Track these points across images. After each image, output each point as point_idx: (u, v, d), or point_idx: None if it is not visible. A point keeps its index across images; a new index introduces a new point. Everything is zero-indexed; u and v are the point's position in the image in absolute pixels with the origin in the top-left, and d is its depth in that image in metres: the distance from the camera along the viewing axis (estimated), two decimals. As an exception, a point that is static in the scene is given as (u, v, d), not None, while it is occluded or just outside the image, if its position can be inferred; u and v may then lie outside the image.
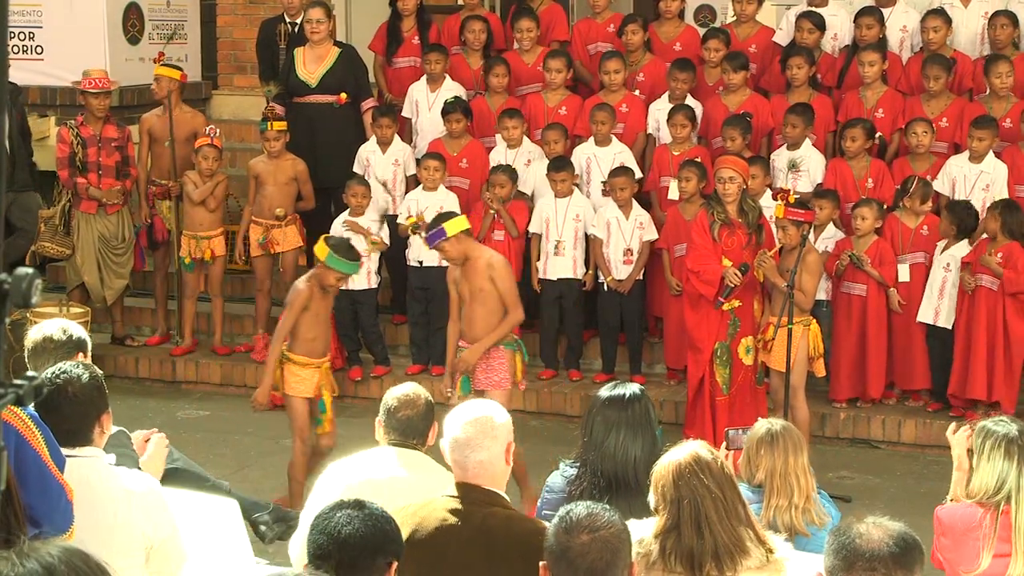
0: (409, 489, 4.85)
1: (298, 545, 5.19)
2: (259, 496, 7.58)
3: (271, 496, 7.77)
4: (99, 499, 4.58)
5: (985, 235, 9.44)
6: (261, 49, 12.06)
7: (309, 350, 8.20)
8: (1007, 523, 4.98)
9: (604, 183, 10.34)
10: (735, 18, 11.36)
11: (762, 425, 5.42)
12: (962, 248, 9.53)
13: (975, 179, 9.84)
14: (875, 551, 3.41)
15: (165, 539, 4.74)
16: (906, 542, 3.44)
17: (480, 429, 4.40)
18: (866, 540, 3.43)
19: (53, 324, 5.47)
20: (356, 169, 10.84)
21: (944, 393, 9.65)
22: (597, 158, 10.51)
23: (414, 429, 5.29)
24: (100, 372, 4.90)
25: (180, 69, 11.41)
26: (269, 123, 10.75)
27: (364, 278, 10.40)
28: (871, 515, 3.55)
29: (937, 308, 9.58)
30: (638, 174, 10.37)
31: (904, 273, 9.67)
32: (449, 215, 8.45)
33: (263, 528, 6.80)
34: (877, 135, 10.19)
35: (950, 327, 9.53)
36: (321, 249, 8.14)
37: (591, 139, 10.55)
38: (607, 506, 3.71)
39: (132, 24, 13.18)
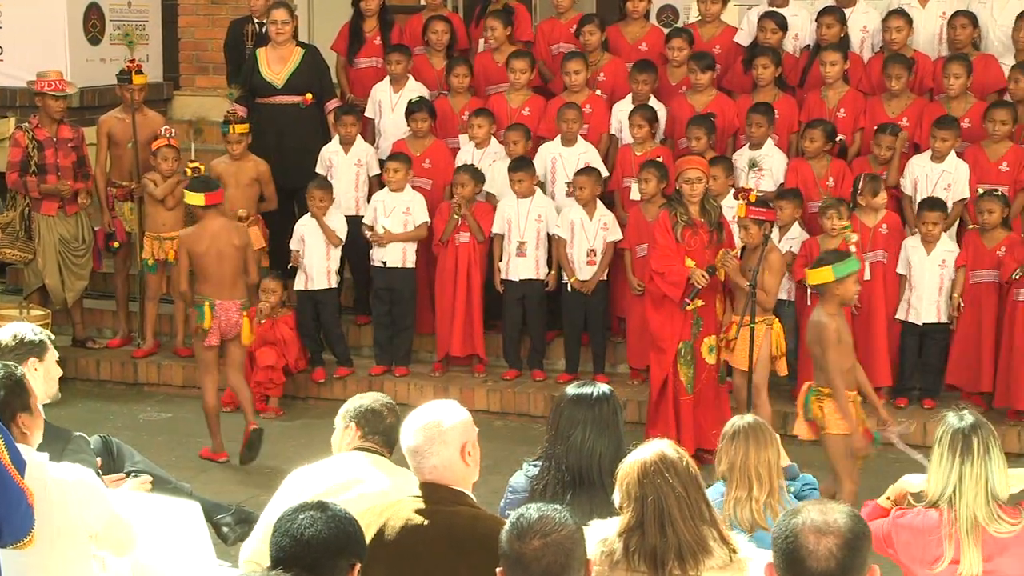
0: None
1: (249, 549, 5.15)
2: (222, 498, 7.55)
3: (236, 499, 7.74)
4: (34, 492, 4.55)
5: (973, 228, 9.66)
6: (229, 50, 12.02)
7: (848, 382, 7.81)
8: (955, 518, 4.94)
9: (568, 184, 10.35)
10: (699, 18, 11.38)
11: (733, 421, 5.53)
12: (949, 245, 9.61)
13: (936, 178, 9.89)
14: (824, 570, 3.35)
15: (107, 523, 4.75)
16: (852, 547, 3.38)
17: (428, 436, 4.37)
18: (815, 559, 3.37)
19: (6, 331, 5.43)
20: (319, 170, 10.82)
21: (938, 391, 9.78)
22: (562, 158, 10.50)
23: (395, 439, 5.21)
24: (20, 371, 4.85)
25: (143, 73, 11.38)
26: (231, 126, 10.72)
27: (324, 278, 10.40)
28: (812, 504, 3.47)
29: (938, 305, 9.63)
30: (604, 173, 10.37)
31: (865, 271, 9.72)
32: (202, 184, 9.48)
33: (225, 530, 6.76)
34: (838, 138, 10.24)
35: (952, 324, 9.70)
36: (823, 273, 7.79)
37: (557, 139, 10.55)
38: (558, 507, 3.70)
39: (93, 24, 13.11)
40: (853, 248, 8.57)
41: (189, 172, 9.92)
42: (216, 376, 9.41)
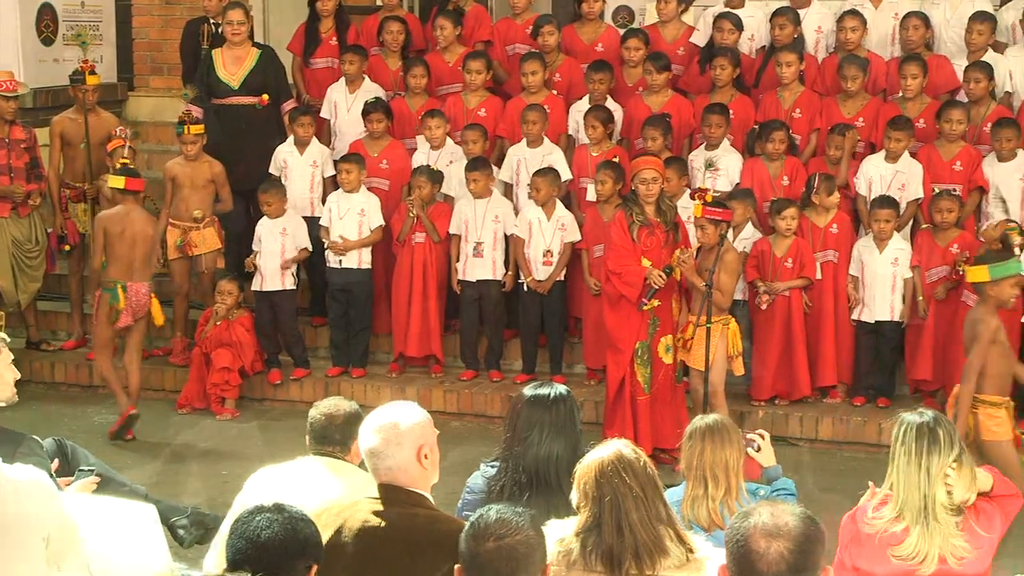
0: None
1: (213, 556, 5.13)
2: (178, 501, 7.51)
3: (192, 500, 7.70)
4: None
5: (926, 227, 9.69)
6: (184, 50, 11.95)
7: (1001, 387, 7.61)
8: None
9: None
10: (658, 19, 11.38)
11: (695, 420, 5.55)
12: (901, 243, 9.65)
13: (891, 178, 9.94)
14: (775, 573, 3.34)
15: (60, 527, 4.70)
16: (802, 550, 3.36)
17: (384, 437, 4.37)
18: (765, 562, 3.37)
19: None
20: (272, 170, 10.79)
21: (892, 389, 9.84)
22: (527, 160, 10.49)
23: (329, 438, 5.23)
24: None
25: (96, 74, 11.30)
26: (186, 127, 10.67)
27: (278, 278, 10.37)
28: (766, 506, 3.45)
29: (891, 303, 9.67)
30: (566, 175, 10.36)
31: (816, 271, 9.77)
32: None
33: (181, 532, 6.73)
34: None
35: (904, 322, 9.74)
36: (979, 272, 7.63)
37: (523, 141, 10.54)
38: (520, 510, 3.71)
39: (46, 25, 13.01)
40: (1018, 249, 8.52)
41: (119, 166, 10.10)
42: (111, 354, 9.99)
